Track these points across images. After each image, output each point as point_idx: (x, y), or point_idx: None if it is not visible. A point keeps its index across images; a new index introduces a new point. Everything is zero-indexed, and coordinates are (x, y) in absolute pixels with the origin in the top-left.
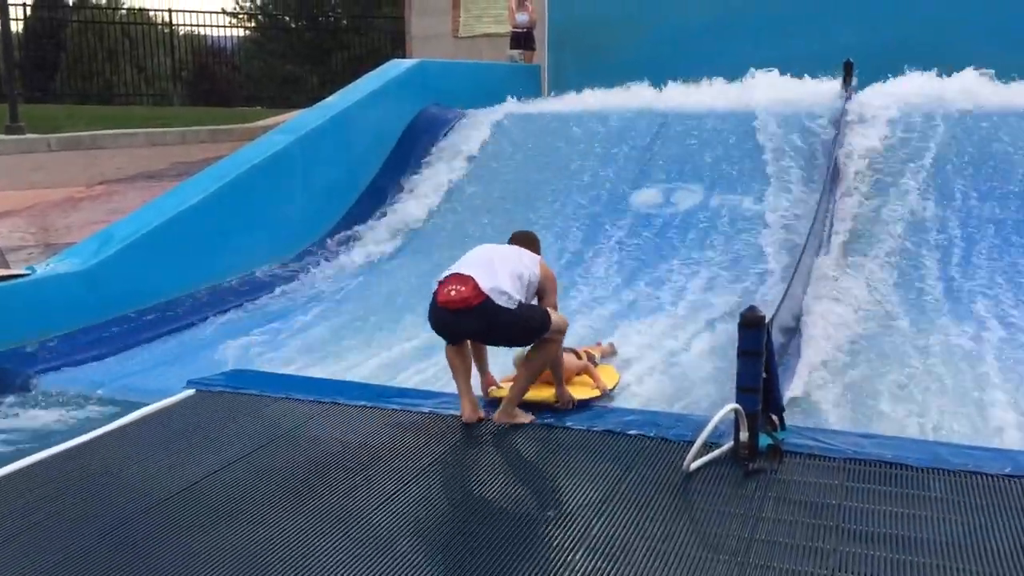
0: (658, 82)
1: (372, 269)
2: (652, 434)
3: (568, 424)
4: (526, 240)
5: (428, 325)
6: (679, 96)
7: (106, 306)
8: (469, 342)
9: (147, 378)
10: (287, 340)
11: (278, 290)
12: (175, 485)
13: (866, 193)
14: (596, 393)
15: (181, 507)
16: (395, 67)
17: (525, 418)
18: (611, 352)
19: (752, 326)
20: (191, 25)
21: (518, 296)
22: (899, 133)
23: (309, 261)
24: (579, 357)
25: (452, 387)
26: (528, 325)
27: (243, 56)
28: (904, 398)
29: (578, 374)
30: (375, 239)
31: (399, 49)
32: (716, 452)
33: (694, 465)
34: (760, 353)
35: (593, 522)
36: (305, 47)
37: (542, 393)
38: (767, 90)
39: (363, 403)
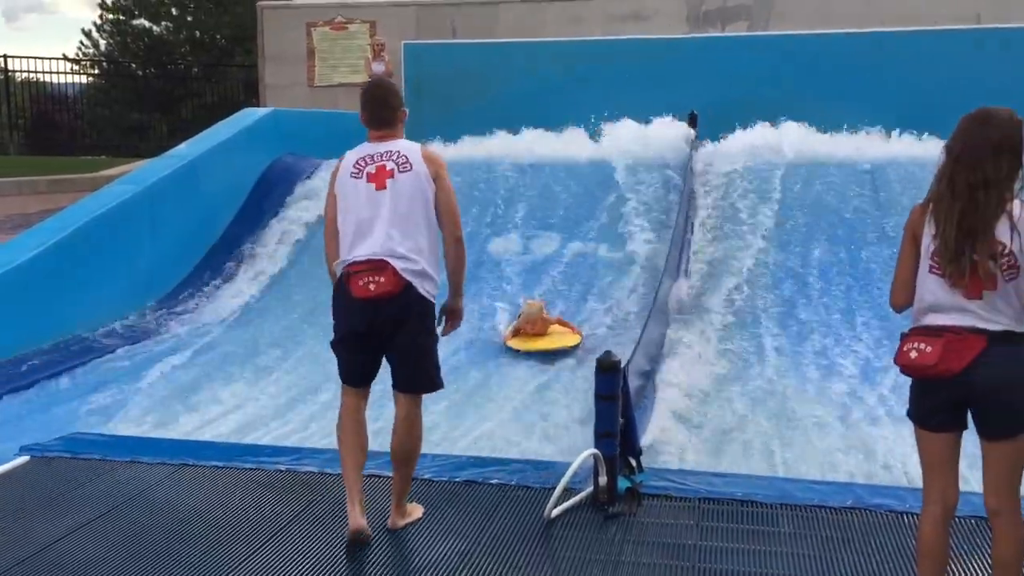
0: (512, 132)
1: (226, 321)
2: (513, 482)
3: (428, 476)
4: (391, 110)
5: (285, 379)
6: (536, 145)
7: None
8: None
9: None
10: (135, 399)
11: (125, 346)
12: (5, 560)
13: (713, 238)
14: (578, 338)
15: None
16: (248, 116)
17: (419, 511)
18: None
19: (608, 370)
20: (29, 72)
21: (432, 261)
22: (738, 180)
23: (159, 315)
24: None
25: (310, 440)
26: (428, 359)
27: (86, 104)
28: (755, 437)
29: (553, 325)
30: (229, 291)
31: (253, 98)
32: (576, 498)
33: (555, 512)
34: (616, 397)
35: (458, 574)
36: (153, 95)
37: (567, 340)
38: (620, 139)
39: (215, 463)
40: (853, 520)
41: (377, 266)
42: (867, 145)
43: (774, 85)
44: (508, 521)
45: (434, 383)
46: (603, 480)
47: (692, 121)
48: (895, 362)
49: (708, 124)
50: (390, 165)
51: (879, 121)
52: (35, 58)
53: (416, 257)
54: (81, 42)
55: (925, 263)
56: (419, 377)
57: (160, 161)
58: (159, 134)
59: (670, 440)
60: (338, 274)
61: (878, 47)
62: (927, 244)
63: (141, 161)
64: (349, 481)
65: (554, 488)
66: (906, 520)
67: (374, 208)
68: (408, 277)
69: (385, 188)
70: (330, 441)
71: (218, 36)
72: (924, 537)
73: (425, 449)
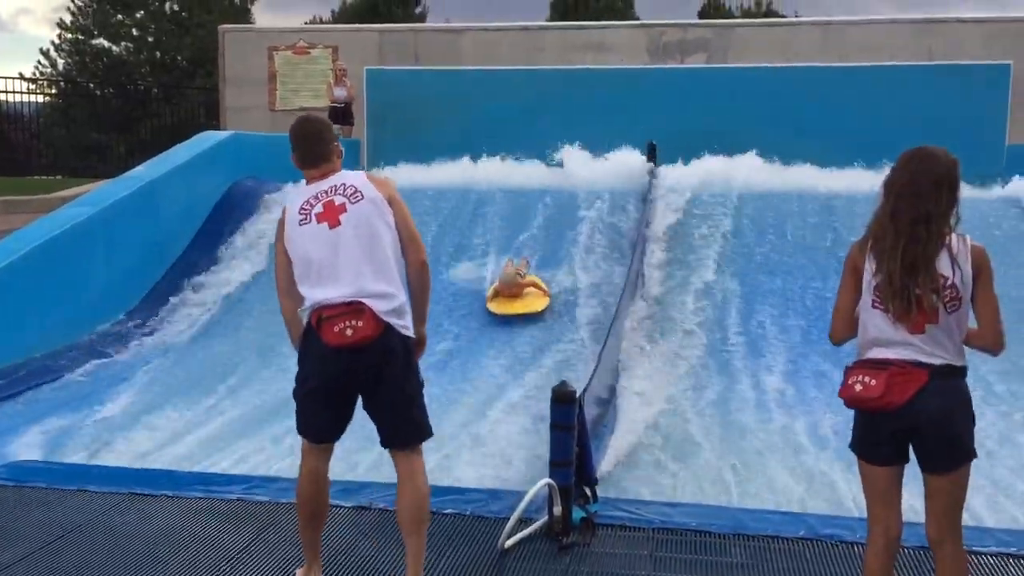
0: (473, 159)
1: (180, 346)
2: (467, 512)
3: (381, 506)
4: (326, 143)
5: (238, 404)
6: (496, 172)
7: None
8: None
9: None
10: (84, 424)
11: (76, 369)
12: None
13: (668, 265)
14: (546, 301)
15: None
16: (207, 139)
17: None
18: (526, 264)
19: (563, 401)
20: None
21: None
22: (695, 210)
23: (111, 339)
24: (520, 276)
25: (263, 468)
26: (418, 407)
27: (43, 124)
28: (712, 465)
29: (527, 287)
30: (184, 314)
31: (213, 119)
32: (531, 528)
33: (509, 542)
34: (572, 427)
35: None
36: (112, 115)
37: (536, 305)
38: (579, 167)
39: (165, 492)
40: (805, 551)
41: (354, 308)
42: (824, 176)
43: (731, 117)
44: (462, 552)
45: (425, 432)
46: (557, 510)
47: (651, 151)
48: (840, 395)
49: (666, 154)
50: (339, 199)
51: (836, 153)
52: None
53: (391, 291)
54: (39, 61)
55: (868, 297)
56: (411, 429)
57: (117, 183)
58: (117, 154)
59: (626, 468)
60: (304, 320)
61: (835, 80)
62: (868, 279)
63: (98, 182)
64: (309, 549)
65: (508, 518)
66: (857, 551)
67: (332, 248)
68: (387, 318)
69: (339, 224)
70: (282, 468)
71: (179, 57)
72: (869, 568)
73: (376, 477)
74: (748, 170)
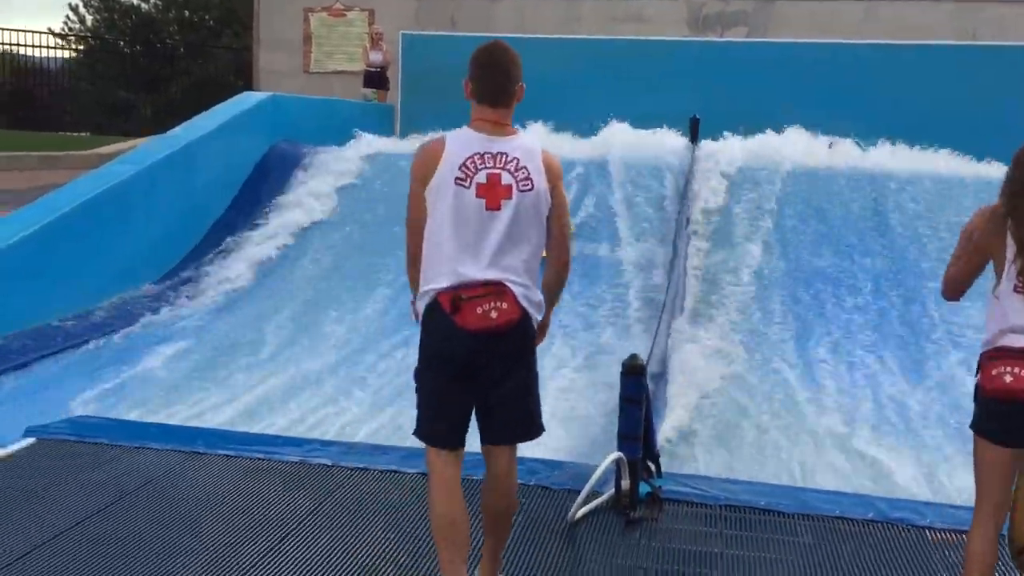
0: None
1: (220, 308)
2: (532, 482)
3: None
4: (514, 82)
5: (286, 368)
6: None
7: None
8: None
9: None
10: (132, 383)
11: (121, 329)
12: (23, 545)
13: (713, 244)
14: None
15: (33, 570)
16: (246, 100)
17: None
18: None
19: (633, 374)
20: (9, 44)
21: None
22: (739, 186)
23: (153, 299)
24: None
25: (319, 429)
26: (537, 402)
27: (70, 79)
28: (767, 443)
29: None
30: (223, 277)
31: (240, 79)
32: (597, 501)
33: (578, 514)
34: (641, 401)
35: None
36: (139, 73)
37: None
38: (621, 141)
39: (225, 452)
40: (874, 533)
41: (497, 291)
42: (868, 154)
43: (773, 93)
44: (532, 523)
45: (538, 427)
46: (625, 484)
47: (694, 126)
48: (985, 385)
49: (708, 128)
50: (506, 179)
51: (877, 131)
52: (17, 31)
53: (531, 283)
54: (67, 16)
55: (1008, 283)
56: (529, 424)
57: (157, 142)
58: (144, 113)
59: (682, 443)
60: (429, 299)
61: (877, 58)
62: (1008, 264)
63: (131, 140)
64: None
65: (573, 489)
66: (926, 535)
67: (482, 228)
68: (525, 305)
69: (499, 209)
70: (337, 431)
71: (207, 16)
72: (979, 554)
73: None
74: (792, 146)
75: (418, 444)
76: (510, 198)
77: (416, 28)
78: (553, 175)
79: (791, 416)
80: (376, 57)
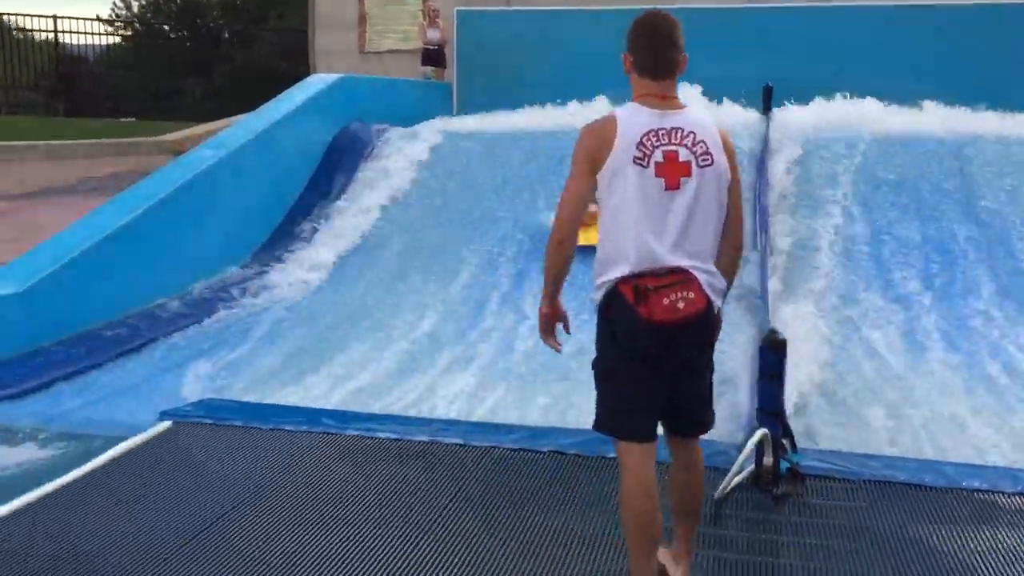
0: (568, 101)
1: (313, 290)
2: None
3: (574, 452)
4: (679, 51)
5: (392, 345)
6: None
7: (41, 331)
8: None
9: (99, 409)
10: (238, 366)
11: (220, 312)
12: (188, 528)
13: (794, 213)
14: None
15: (197, 555)
16: (317, 82)
17: None
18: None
19: (775, 349)
20: (52, 31)
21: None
22: (817, 155)
23: (246, 280)
24: None
25: (441, 407)
26: (712, 394)
27: (115, 65)
28: (891, 416)
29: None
30: (309, 258)
31: (286, 62)
32: (739, 478)
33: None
34: (783, 376)
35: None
36: (185, 58)
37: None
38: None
39: (358, 432)
40: None
41: (683, 279)
42: (948, 118)
43: (845, 57)
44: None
45: (713, 418)
46: (767, 460)
47: (767, 95)
48: None
49: (780, 96)
50: (684, 155)
51: (957, 95)
52: (68, 17)
53: (715, 269)
54: (114, 3)
55: None
56: (710, 415)
57: (237, 127)
58: (191, 98)
59: (805, 418)
60: (609, 287)
61: (956, 19)
62: None
63: (199, 125)
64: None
65: (713, 467)
66: None
67: (664, 210)
68: (710, 293)
69: (678, 189)
70: (459, 411)
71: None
72: None
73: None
74: (869, 112)
75: (543, 423)
76: (689, 176)
77: (470, 3)
78: (729, 150)
79: (896, 389)
80: (433, 35)
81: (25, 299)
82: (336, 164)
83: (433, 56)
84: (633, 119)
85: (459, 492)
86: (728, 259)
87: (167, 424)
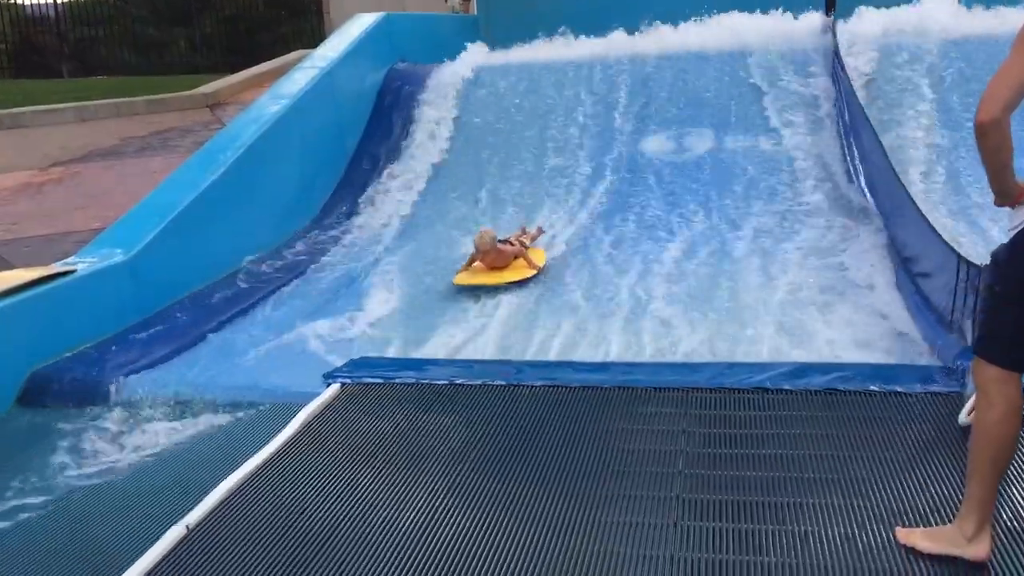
0: (592, 33)
1: (389, 239)
2: (899, 389)
3: (786, 387)
4: None
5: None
6: (654, 41)
7: (150, 298)
8: None
9: (244, 375)
10: (356, 321)
11: (310, 268)
12: (442, 488)
13: (881, 124)
14: (532, 272)
15: (456, 514)
16: (360, 22)
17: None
18: (539, 234)
19: None
20: None
21: None
22: (890, 65)
23: (323, 235)
24: (511, 244)
25: (601, 350)
26: None
27: (109, 19)
28: None
29: (515, 258)
30: (380, 207)
31: (279, 8)
32: (969, 403)
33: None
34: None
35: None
36: (169, 8)
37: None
38: (744, 26)
39: (540, 382)
40: None
41: None
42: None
43: None
44: (925, 429)
45: None
46: None
47: (830, 3)
48: None
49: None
50: None
51: None
52: None
53: None
54: None
55: None
56: None
57: (294, 73)
58: (178, 50)
59: None
60: None
61: None
62: None
63: (225, 76)
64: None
65: (930, 393)
66: None
67: None
68: None
69: None
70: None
71: None
72: None
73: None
74: (943, 16)
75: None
76: None
77: None
78: None
79: None
80: None
81: (132, 268)
82: (391, 108)
83: None
84: None
85: (683, 429)
86: None
87: (336, 387)
